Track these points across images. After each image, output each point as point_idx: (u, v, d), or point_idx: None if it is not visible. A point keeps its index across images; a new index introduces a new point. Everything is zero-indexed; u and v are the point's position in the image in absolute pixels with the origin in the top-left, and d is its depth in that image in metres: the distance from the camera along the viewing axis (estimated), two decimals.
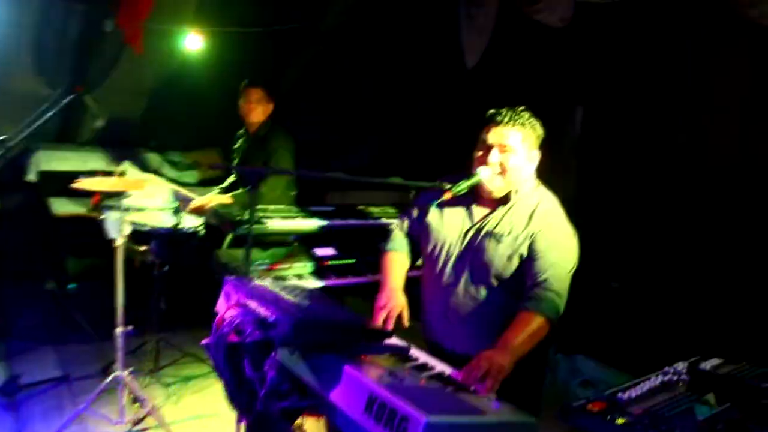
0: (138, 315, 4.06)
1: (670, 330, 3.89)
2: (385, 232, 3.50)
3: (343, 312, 2.05)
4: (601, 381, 3.55)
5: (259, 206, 3.27)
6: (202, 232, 3.82)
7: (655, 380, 2.03)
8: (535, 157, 2.38)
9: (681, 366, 2.15)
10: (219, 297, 2.36)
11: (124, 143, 6.18)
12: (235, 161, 4.27)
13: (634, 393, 1.89)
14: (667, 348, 3.74)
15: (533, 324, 2.12)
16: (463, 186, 2.30)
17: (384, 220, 3.46)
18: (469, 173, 2.37)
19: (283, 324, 1.73)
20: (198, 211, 3.96)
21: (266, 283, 2.20)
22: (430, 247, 2.49)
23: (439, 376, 1.89)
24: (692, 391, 1.95)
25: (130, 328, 3.39)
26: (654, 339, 3.78)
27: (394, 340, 1.97)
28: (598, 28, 4.73)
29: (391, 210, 3.64)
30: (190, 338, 4.54)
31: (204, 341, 1.94)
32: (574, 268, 2.28)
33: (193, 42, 5.57)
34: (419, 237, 2.58)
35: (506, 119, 2.30)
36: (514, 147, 2.31)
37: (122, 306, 3.37)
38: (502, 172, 2.33)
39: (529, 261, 2.26)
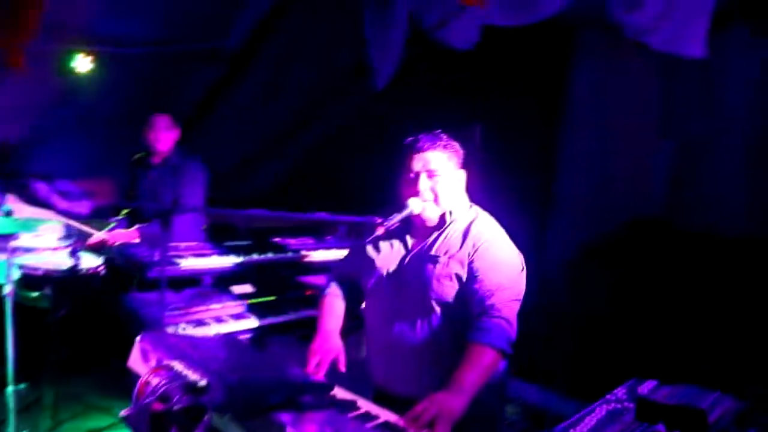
0: (33, 366, 3.68)
1: (602, 349, 3.97)
2: (304, 266, 3.43)
3: (278, 366, 1.89)
4: (542, 407, 3.52)
5: (170, 244, 3.02)
6: (104, 272, 3.50)
7: (600, 411, 2.01)
8: (462, 176, 2.34)
9: (622, 392, 2.14)
10: (132, 352, 2.16)
11: (8, 173, 5.66)
12: (135, 192, 3.97)
13: (584, 428, 1.85)
14: (599, 368, 3.83)
15: (484, 358, 2.01)
16: (395, 219, 2.21)
17: (304, 253, 3.29)
18: (400, 205, 2.29)
19: (216, 389, 1.56)
20: (98, 248, 3.65)
21: (187, 334, 1.99)
22: (369, 283, 2.38)
23: (386, 425, 1.77)
24: (640, 418, 1.93)
25: (22, 386, 3.03)
26: (586, 358, 3.83)
27: (337, 392, 1.83)
28: (494, 50, 4.85)
29: (310, 241, 3.48)
30: (92, 388, 4.16)
31: (123, 413, 1.71)
32: (522, 292, 2.20)
33: (82, 63, 5.20)
34: (359, 278, 2.46)
35: (427, 144, 2.25)
36: (440, 170, 2.25)
37: (13, 361, 3.01)
38: (435, 198, 2.26)
39: (470, 284, 2.16)
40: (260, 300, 3.03)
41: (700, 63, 3.51)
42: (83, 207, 6.03)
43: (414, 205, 2.24)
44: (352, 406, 1.83)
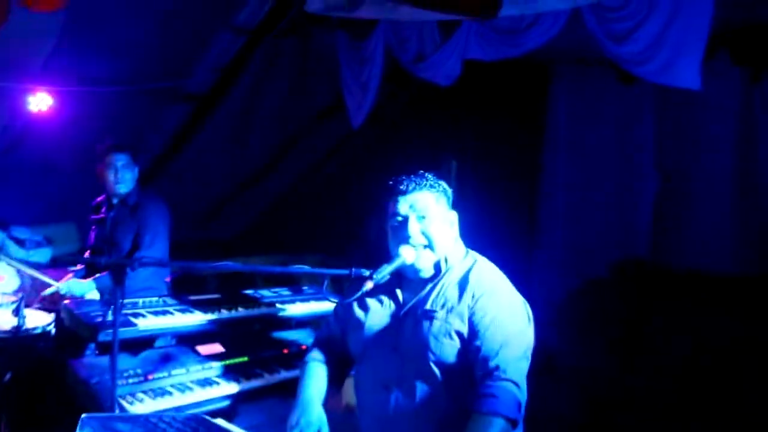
0: None
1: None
2: (280, 320, 3.09)
3: None
4: None
5: (126, 299, 2.68)
6: (53, 331, 3.13)
7: None
8: (454, 218, 2.09)
9: None
10: None
11: None
12: (93, 239, 3.63)
13: None
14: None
15: (493, 429, 1.74)
16: (386, 271, 1.93)
17: (280, 306, 2.96)
18: (386, 256, 2.03)
19: None
20: (52, 302, 3.29)
21: (139, 414, 1.66)
22: (358, 348, 2.10)
23: None
24: None
25: None
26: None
27: None
28: (474, 84, 4.70)
29: (285, 292, 3.15)
30: None
31: None
32: (531, 346, 1.92)
33: (40, 101, 4.87)
34: (345, 342, 2.18)
35: (412, 185, 2.02)
36: (430, 212, 2.00)
37: None
38: (428, 244, 2.00)
39: (472, 342, 1.89)
40: (231, 362, 2.68)
41: (683, 95, 3.39)
42: (41, 255, 5.63)
43: (406, 254, 1.97)
44: None
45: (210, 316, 2.72)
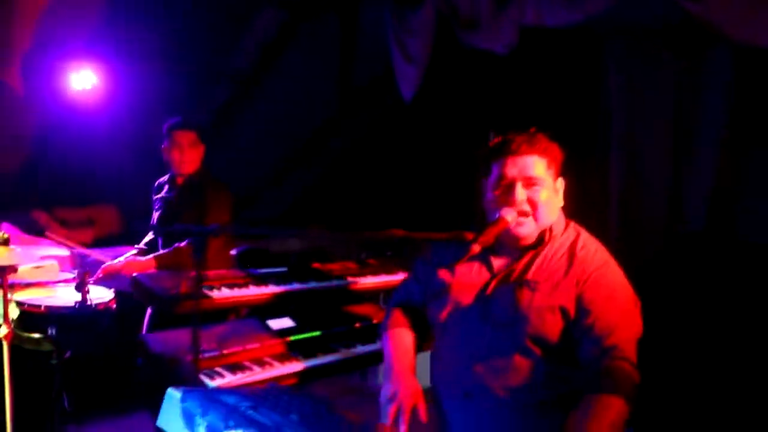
0: (35, 418, 3.23)
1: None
2: (349, 295, 2.99)
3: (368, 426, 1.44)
4: None
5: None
6: (114, 307, 3.05)
7: None
8: (561, 186, 1.95)
9: None
10: (163, 408, 1.72)
11: (3, 202, 5.23)
12: (158, 214, 3.54)
13: None
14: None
15: (612, 410, 1.59)
16: (491, 235, 1.79)
17: (351, 279, 2.85)
18: (485, 220, 1.91)
19: None
20: (111, 279, 3.21)
21: (235, 388, 1.55)
22: (440, 315, 1.94)
23: None
24: None
25: None
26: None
27: None
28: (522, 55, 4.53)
29: (352, 266, 3.05)
30: None
31: None
32: (641, 330, 1.79)
33: (84, 80, 4.80)
34: (426, 308, 2.03)
35: (524, 146, 1.87)
36: (540, 178, 1.86)
37: (12, 414, 2.56)
38: (533, 210, 1.86)
39: (581, 321, 1.75)
40: (304, 336, 2.58)
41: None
42: (85, 236, 5.60)
43: (510, 218, 1.83)
44: None
45: (283, 289, 2.62)
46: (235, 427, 1.30)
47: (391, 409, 1.73)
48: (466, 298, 1.90)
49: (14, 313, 2.85)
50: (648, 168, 5.22)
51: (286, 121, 5.95)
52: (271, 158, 6.29)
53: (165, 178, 3.63)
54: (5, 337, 2.54)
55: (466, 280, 1.93)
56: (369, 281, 2.94)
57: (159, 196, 3.61)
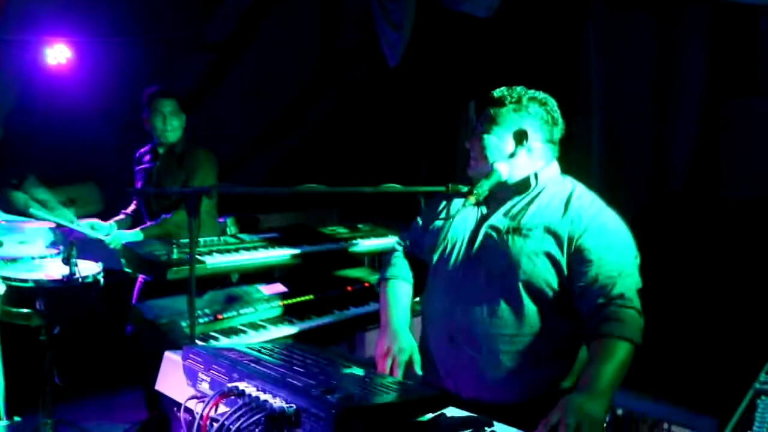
0: (25, 393, 3.21)
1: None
2: (339, 258, 2.98)
3: (368, 374, 1.45)
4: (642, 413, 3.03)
5: (183, 240, 2.55)
6: (102, 281, 3.02)
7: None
8: (551, 135, 1.92)
9: None
10: (162, 371, 1.72)
11: None
12: (140, 184, 3.49)
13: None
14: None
15: (621, 353, 1.59)
16: (486, 186, 1.80)
17: (342, 243, 2.85)
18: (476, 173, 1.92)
19: (311, 416, 1.12)
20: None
21: (242, 348, 1.55)
22: (434, 259, 1.95)
23: None
24: None
25: (16, 420, 2.55)
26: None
27: (453, 411, 1.40)
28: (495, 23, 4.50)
29: (342, 230, 3.03)
30: (93, 413, 3.71)
31: None
32: (640, 283, 1.76)
33: (58, 54, 4.69)
34: (423, 250, 2.04)
35: (508, 99, 1.89)
36: (487, 126, 1.91)
37: (3, 390, 2.53)
38: (476, 156, 1.92)
39: (582, 272, 1.73)
40: (298, 300, 2.58)
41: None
42: (64, 216, 5.51)
43: (502, 170, 1.84)
44: (466, 423, 1.39)
45: (275, 252, 2.61)
46: (240, 379, 1.29)
47: (385, 362, 1.75)
48: (458, 244, 1.89)
49: (1, 288, 2.81)
50: (629, 127, 5.25)
51: (268, 86, 5.86)
52: (256, 124, 6.22)
53: (146, 148, 3.57)
54: None
55: (461, 224, 1.92)
56: (360, 245, 2.93)
57: (141, 167, 3.56)
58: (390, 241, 3.11)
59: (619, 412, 3.00)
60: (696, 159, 4.94)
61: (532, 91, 1.90)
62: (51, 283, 2.80)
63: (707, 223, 4.38)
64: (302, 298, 2.60)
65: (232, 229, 3.19)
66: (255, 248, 2.61)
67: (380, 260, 2.91)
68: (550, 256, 1.77)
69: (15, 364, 2.93)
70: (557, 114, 1.92)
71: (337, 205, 6.20)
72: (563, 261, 1.76)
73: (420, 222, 2.10)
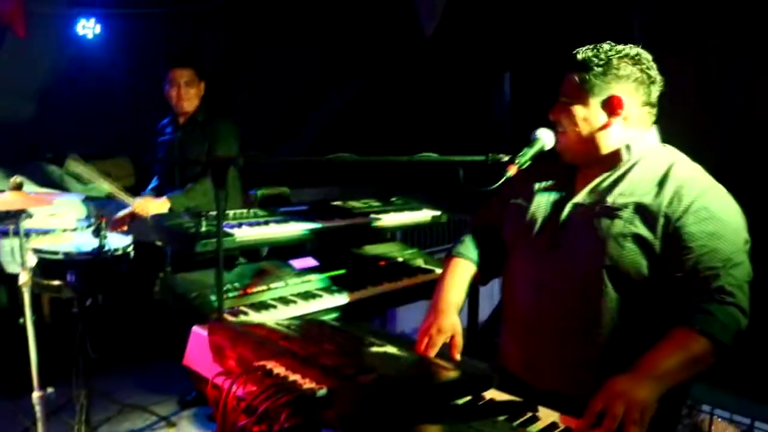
0: (57, 365, 3.22)
1: None
2: (371, 231, 2.90)
3: (406, 355, 1.37)
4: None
5: (212, 212, 2.49)
6: (132, 254, 3.00)
7: None
8: (637, 99, 1.66)
9: None
10: (189, 346, 1.66)
11: (12, 158, 5.16)
12: (162, 156, 3.47)
13: None
14: None
15: (695, 347, 1.42)
16: (527, 156, 1.68)
17: (373, 217, 2.76)
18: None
19: (344, 397, 1.04)
20: (125, 223, 3.17)
21: (269, 323, 1.48)
22: (511, 237, 1.82)
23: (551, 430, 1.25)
24: None
25: (50, 390, 2.55)
26: None
27: (493, 393, 1.31)
28: None
29: (376, 204, 2.95)
30: (126, 384, 3.73)
31: None
32: (751, 274, 1.55)
33: (89, 27, 4.67)
34: (503, 235, 1.88)
35: (593, 63, 1.65)
36: (571, 92, 1.68)
37: (36, 362, 2.53)
38: (561, 127, 1.71)
39: (680, 260, 1.53)
40: (330, 274, 2.51)
41: None
42: (98, 191, 5.55)
43: (544, 137, 1.71)
44: (510, 407, 1.31)
45: (306, 226, 2.53)
46: (268, 357, 1.23)
47: (423, 340, 1.65)
48: (539, 225, 1.74)
49: (32, 261, 2.80)
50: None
51: (293, 62, 5.78)
52: (281, 101, 6.15)
53: (167, 119, 3.54)
54: (24, 284, 2.48)
55: (545, 201, 1.76)
56: (393, 218, 2.84)
57: (162, 138, 3.53)
58: (424, 214, 3.03)
59: None
60: None
61: (620, 47, 1.66)
62: (81, 256, 2.78)
63: None
64: (334, 273, 2.53)
65: (261, 201, 3.13)
66: (285, 221, 2.54)
67: (414, 234, 2.84)
68: (640, 240, 1.56)
69: (49, 336, 2.94)
70: (654, 70, 1.66)
71: (373, 179, 6.14)
72: (657, 246, 1.55)
73: (501, 195, 1.90)
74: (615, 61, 1.63)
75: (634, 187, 1.62)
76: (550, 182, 1.72)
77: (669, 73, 1.68)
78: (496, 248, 1.88)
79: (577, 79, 1.67)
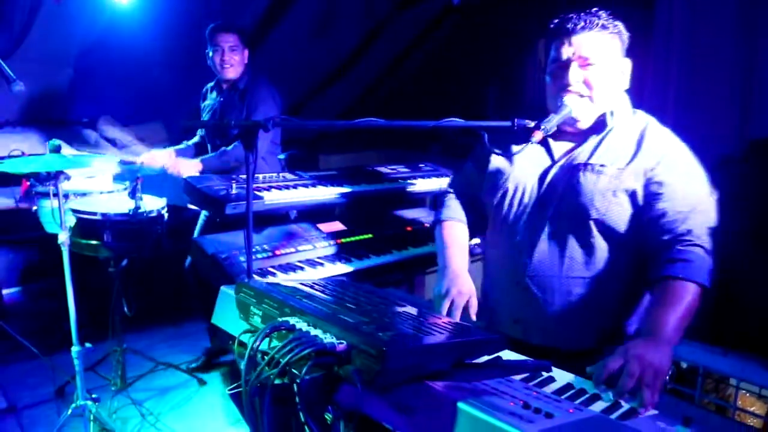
0: (94, 322, 3.36)
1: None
2: (399, 198, 2.93)
3: (422, 314, 1.40)
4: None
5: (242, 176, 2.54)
6: (166, 216, 3.08)
7: None
8: (626, 67, 1.81)
9: None
10: (217, 305, 1.73)
11: (50, 121, 5.27)
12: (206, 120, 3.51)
13: None
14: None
15: (688, 296, 1.53)
16: (554, 121, 1.70)
17: (400, 182, 2.78)
18: (544, 107, 1.82)
19: (366, 354, 1.08)
20: (152, 161, 3.23)
21: (294, 284, 1.52)
22: (497, 201, 1.88)
23: (567, 391, 1.27)
24: None
25: (88, 345, 2.66)
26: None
27: (509, 355, 1.35)
28: None
29: (404, 169, 2.97)
30: (159, 343, 3.87)
31: (231, 389, 1.27)
32: (715, 218, 1.68)
33: None
34: (481, 194, 1.96)
35: (581, 25, 1.73)
36: (597, 56, 1.73)
37: (75, 319, 2.63)
38: (590, 91, 1.75)
39: (653, 205, 1.67)
40: (356, 238, 2.55)
41: None
42: (134, 154, 5.66)
43: (572, 103, 1.72)
44: (524, 366, 1.33)
45: (334, 190, 2.57)
46: (291, 314, 1.27)
47: (444, 305, 1.70)
48: (527, 185, 1.82)
49: (71, 221, 2.90)
50: (711, 73, 4.87)
51: (324, 32, 5.75)
52: (311, 71, 6.13)
53: (212, 83, 3.57)
54: (64, 243, 2.58)
55: (526, 166, 1.84)
56: (421, 184, 2.86)
57: (206, 102, 3.57)
58: None
59: (684, 365, 2.87)
60: None
61: (603, 12, 1.77)
62: (117, 216, 2.87)
63: None
64: (360, 237, 2.57)
65: (289, 165, 3.18)
66: (314, 185, 2.58)
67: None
68: (624, 193, 1.70)
69: (87, 295, 3.05)
70: None
71: (401, 145, 6.13)
72: (639, 197, 1.69)
73: (477, 159, 2.01)
74: (620, 25, 1.77)
75: (615, 146, 1.74)
76: (527, 146, 1.76)
77: None
78: (476, 210, 2.01)
79: (604, 39, 1.74)
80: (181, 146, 3.59)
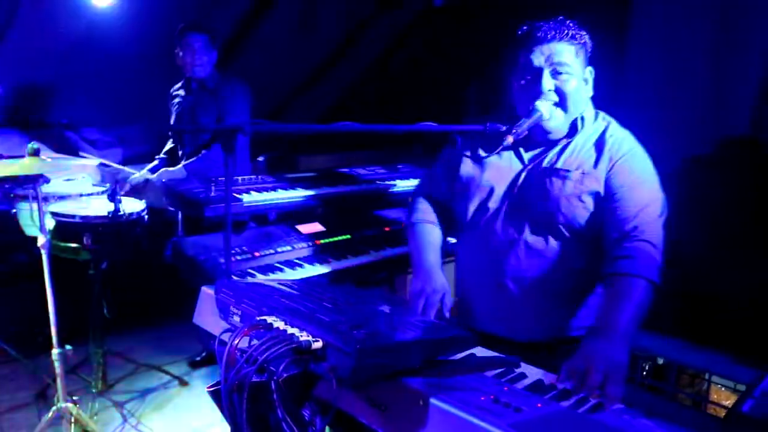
0: (75, 324, 3.35)
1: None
2: (377, 198, 2.96)
3: (398, 313, 1.44)
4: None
5: (221, 178, 2.56)
6: (146, 218, 3.10)
7: None
8: (590, 75, 1.87)
9: None
10: (198, 305, 1.76)
11: (29, 123, 5.23)
12: (174, 120, 3.53)
13: None
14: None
15: (636, 292, 1.60)
16: (525, 126, 1.74)
17: (378, 183, 2.82)
18: (513, 113, 1.86)
19: (336, 351, 1.12)
20: (140, 190, 3.25)
21: (273, 284, 1.56)
22: (470, 205, 1.92)
23: (562, 393, 1.32)
24: None
25: (68, 348, 2.67)
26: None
27: (480, 350, 1.39)
28: None
29: (381, 170, 3.01)
30: (140, 345, 3.87)
31: (210, 387, 1.30)
32: (666, 213, 1.75)
33: None
34: (451, 199, 2.02)
35: (552, 33, 1.78)
36: (569, 65, 1.78)
37: (55, 321, 2.64)
38: (562, 101, 1.80)
39: (608, 205, 1.75)
40: (335, 239, 2.59)
41: None
42: (114, 156, 5.64)
43: (544, 109, 1.78)
44: (494, 362, 1.38)
45: (312, 192, 2.60)
46: (269, 313, 1.30)
47: (419, 303, 1.74)
48: (498, 189, 1.87)
49: (50, 224, 2.90)
50: (686, 64, 4.94)
51: (309, 27, 5.76)
52: (295, 66, 6.14)
53: (179, 84, 3.59)
54: (43, 246, 2.58)
55: (497, 171, 1.89)
56: (399, 185, 2.90)
57: (174, 101, 3.59)
58: None
59: (660, 361, 2.94)
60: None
61: (571, 22, 1.82)
62: (97, 219, 2.88)
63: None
64: (338, 238, 2.61)
65: (268, 167, 3.20)
66: (292, 187, 2.61)
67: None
68: (589, 196, 1.76)
69: (67, 297, 3.05)
70: None
71: (382, 147, 6.17)
72: (601, 197, 1.76)
73: (445, 163, 2.05)
74: (585, 36, 1.82)
75: (579, 152, 1.81)
76: (498, 151, 1.81)
77: None
78: (445, 213, 2.06)
79: (573, 49, 1.79)
80: (155, 162, 3.61)
